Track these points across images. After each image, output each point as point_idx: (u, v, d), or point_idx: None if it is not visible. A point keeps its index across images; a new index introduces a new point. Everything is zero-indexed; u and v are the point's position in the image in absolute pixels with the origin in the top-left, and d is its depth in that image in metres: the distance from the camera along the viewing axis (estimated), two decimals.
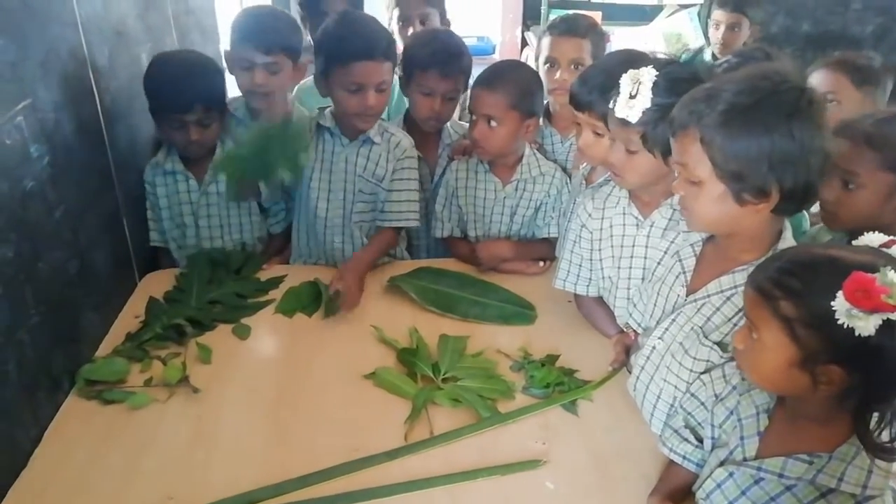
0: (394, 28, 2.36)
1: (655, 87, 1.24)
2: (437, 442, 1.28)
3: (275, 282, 1.77)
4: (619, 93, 1.28)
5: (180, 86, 1.71)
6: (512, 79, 1.75)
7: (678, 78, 1.26)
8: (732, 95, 1.06)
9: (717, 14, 3.02)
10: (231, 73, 1.94)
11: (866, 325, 0.85)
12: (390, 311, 1.68)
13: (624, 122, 1.29)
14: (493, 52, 4.57)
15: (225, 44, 2.65)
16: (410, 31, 2.32)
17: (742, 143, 1.05)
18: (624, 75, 1.28)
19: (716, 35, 3.03)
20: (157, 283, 1.75)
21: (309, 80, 2.28)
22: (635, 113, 1.26)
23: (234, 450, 1.27)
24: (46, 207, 1.36)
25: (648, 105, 1.24)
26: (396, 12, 2.36)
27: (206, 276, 1.74)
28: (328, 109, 1.80)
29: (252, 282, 1.77)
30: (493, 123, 1.73)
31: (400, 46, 2.27)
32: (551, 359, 1.49)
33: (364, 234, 1.88)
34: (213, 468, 1.23)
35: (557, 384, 1.41)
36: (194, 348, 1.50)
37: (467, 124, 2.25)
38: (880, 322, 0.85)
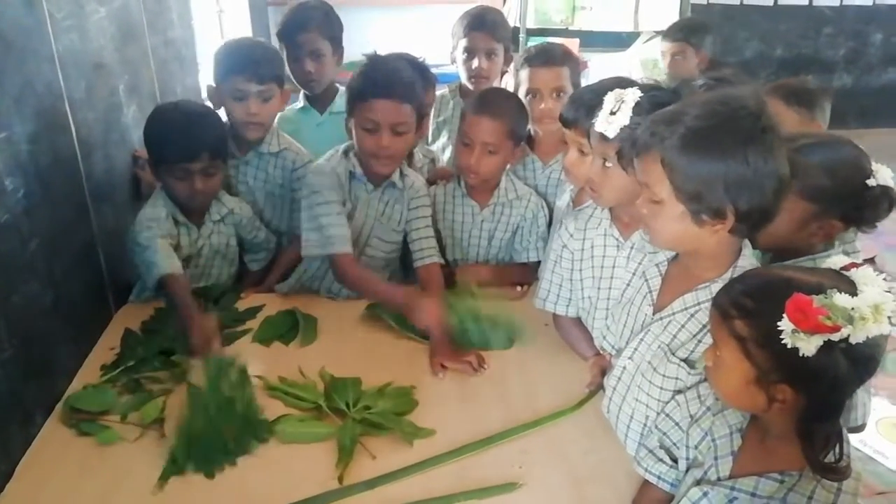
0: (458, 58, 2.35)
1: (638, 106, 1.28)
2: (416, 470, 1.28)
3: (252, 311, 1.77)
4: (601, 108, 1.33)
5: (185, 134, 1.69)
6: (508, 108, 1.80)
7: (661, 101, 1.29)
8: (692, 119, 1.09)
9: (663, 45, 3.08)
10: (216, 107, 1.95)
11: (808, 346, 0.88)
12: (369, 339, 1.68)
13: (603, 137, 1.33)
14: None
15: (205, 75, 2.69)
16: (475, 63, 2.29)
17: (699, 166, 1.08)
18: (609, 93, 1.33)
19: (664, 65, 3.09)
20: (133, 315, 1.74)
21: (287, 108, 2.29)
22: (613, 129, 1.30)
23: (209, 481, 1.26)
24: (20, 240, 1.36)
25: (627, 122, 1.28)
26: (463, 42, 2.32)
27: None
28: (353, 152, 1.76)
29: (230, 312, 1.76)
30: (490, 150, 1.76)
31: (463, 77, 2.36)
32: None
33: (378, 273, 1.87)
34: (190, 501, 1.22)
35: None
36: (182, 385, 1.48)
37: (442, 150, 2.29)
38: (821, 343, 0.88)
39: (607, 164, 1.37)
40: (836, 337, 0.87)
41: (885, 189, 1.29)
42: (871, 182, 1.28)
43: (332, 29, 2.23)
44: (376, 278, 1.73)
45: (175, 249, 1.76)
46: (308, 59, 2.18)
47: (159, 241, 1.69)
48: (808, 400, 0.93)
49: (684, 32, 3.05)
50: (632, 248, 1.47)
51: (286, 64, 2.23)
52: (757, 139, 1.08)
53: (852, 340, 0.88)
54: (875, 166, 1.31)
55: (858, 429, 1.39)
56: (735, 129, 1.08)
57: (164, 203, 1.76)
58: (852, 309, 0.87)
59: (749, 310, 0.96)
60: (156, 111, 1.79)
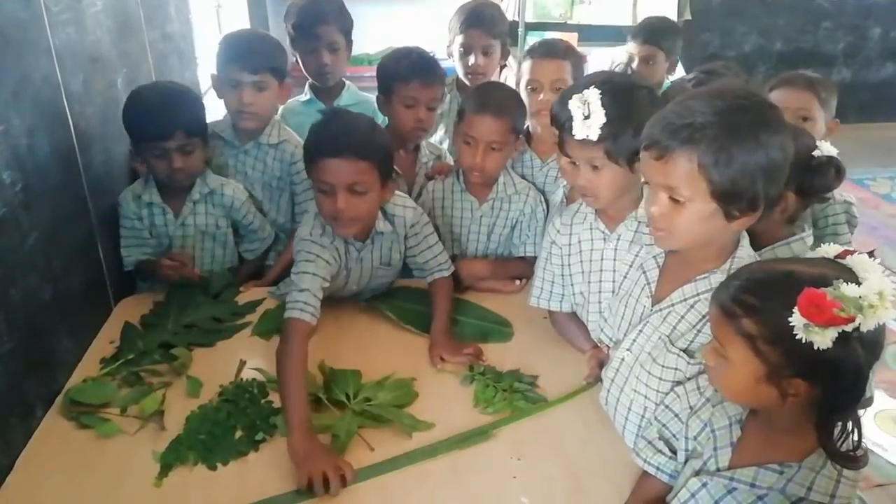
0: (454, 54, 2.35)
1: (604, 103, 1.30)
2: (413, 460, 1.29)
3: (252, 305, 1.77)
4: (572, 118, 1.33)
5: (159, 113, 1.70)
6: (508, 104, 1.79)
7: (621, 89, 1.34)
8: (716, 116, 1.07)
9: (630, 47, 2.76)
10: (220, 96, 1.97)
11: (823, 339, 0.87)
12: (368, 331, 1.68)
13: (584, 142, 1.34)
14: None
15: (203, 69, 2.70)
16: (471, 59, 2.29)
17: (743, 162, 1.07)
18: (570, 101, 1.34)
19: (628, 69, 2.72)
20: (132, 308, 1.74)
21: (292, 100, 2.31)
22: (594, 131, 1.31)
23: (209, 473, 1.27)
24: (19, 234, 1.36)
25: (604, 120, 1.30)
26: (459, 39, 2.31)
27: (182, 301, 1.74)
28: None
29: (229, 305, 1.77)
30: (494, 147, 1.76)
31: (460, 73, 2.34)
32: (497, 376, 1.50)
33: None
34: (188, 494, 1.23)
35: (504, 390, 1.45)
36: (182, 378, 1.49)
37: (440, 143, 2.28)
38: (836, 335, 0.87)
39: (597, 166, 1.38)
40: (849, 327, 0.87)
41: (830, 158, 1.36)
42: (816, 153, 1.36)
43: (346, 22, 2.26)
44: (300, 391, 1.36)
45: (150, 229, 1.83)
46: (325, 51, 2.20)
47: (126, 228, 1.81)
48: (827, 392, 0.92)
49: (655, 35, 2.72)
50: (618, 239, 1.48)
51: (299, 56, 2.25)
52: (783, 128, 1.09)
53: (863, 329, 0.87)
54: (819, 143, 1.38)
55: (866, 402, 1.41)
56: (767, 120, 1.08)
57: (139, 184, 1.82)
58: (860, 297, 0.86)
59: (755, 307, 0.94)
60: (132, 93, 1.78)
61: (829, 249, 0.98)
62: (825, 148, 1.36)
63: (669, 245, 1.23)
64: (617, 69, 1.46)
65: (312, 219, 1.63)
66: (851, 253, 0.96)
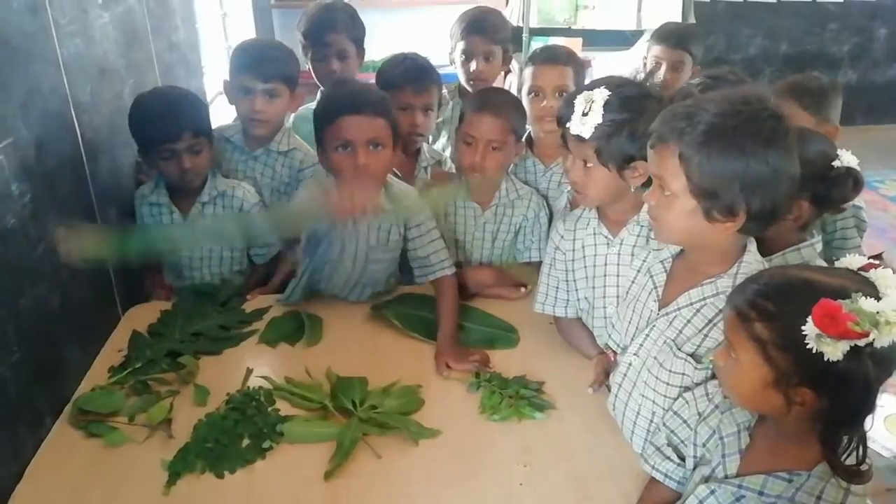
0: (456, 60, 2.35)
1: (608, 104, 1.33)
2: None
3: (259, 313, 1.77)
4: (574, 111, 1.37)
5: (166, 116, 1.74)
6: (507, 105, 1.81)
7: (629, 95, 1.36)
8: (713, 116, 1.08)
9: (658, 50, 2.58)
10: (231, 102, 2.00)
11: (834, 351, 0.86)
12: (374, 339, 1.69)
13: (579, 138, 1.37)
14: None
15: (209, 78, 2.72)
16: (473, 65, 2.28)
17: (719, 163, 1.08)
18: (579, 96, 1.37)
19: (656, 74, 2.57)
20: (140, 317, 1.75)
21: (303, 108, 2.32)
22: (588, 129, 1.34)
23: (217, 481, 1.27)
24: (28, 244, 1.37)
25: (600, 121, 1.33)
26: (461, 45, 2.31)
27: (190, 309, 1.75)
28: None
29: (236, 313, 1.77)
30: (494, 147, 1.76)
31: (462, 79, 2.35)
32: (503, 382, 1.50)
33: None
34: (196, 502, 1.23)
35: (510, 397, 1.45)
36: (189, 387, 1.50)
37: (442, 150, 2.29)
38: (848, 348, 0.86)
39: (588, 164, 1.40)
40: (862, 342, 0.85)
41: (849, 169, 1.34)
42: (836, 163, 1.35)
43: (357, 31, 2.27)
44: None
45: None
46: (334, 58, 2.22)
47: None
48: (833, 404, 0.91)
49: (685, 40, 2.58)
50: (621, 244, 1.49)
51: (310, 64, 2.26)
52: (779, 141, 1.08)
53: (877, 345, 0.86)
54: (840, 152, 1.37)
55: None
56: (758, 130, 1.08)
57: (148, 185, 1.86)
58: (877, 313, 0.85)
59: (770, 312, 0.93)
60: (136, 99, 1.81)
61: (854, 261, 0.96)
62: (846, 158, 1.34)
63: (662, 238, 1.24)
64: (639, 76, 1.46)
65: (311, 184, 1.71)
66: (876, 266, 0.93)
